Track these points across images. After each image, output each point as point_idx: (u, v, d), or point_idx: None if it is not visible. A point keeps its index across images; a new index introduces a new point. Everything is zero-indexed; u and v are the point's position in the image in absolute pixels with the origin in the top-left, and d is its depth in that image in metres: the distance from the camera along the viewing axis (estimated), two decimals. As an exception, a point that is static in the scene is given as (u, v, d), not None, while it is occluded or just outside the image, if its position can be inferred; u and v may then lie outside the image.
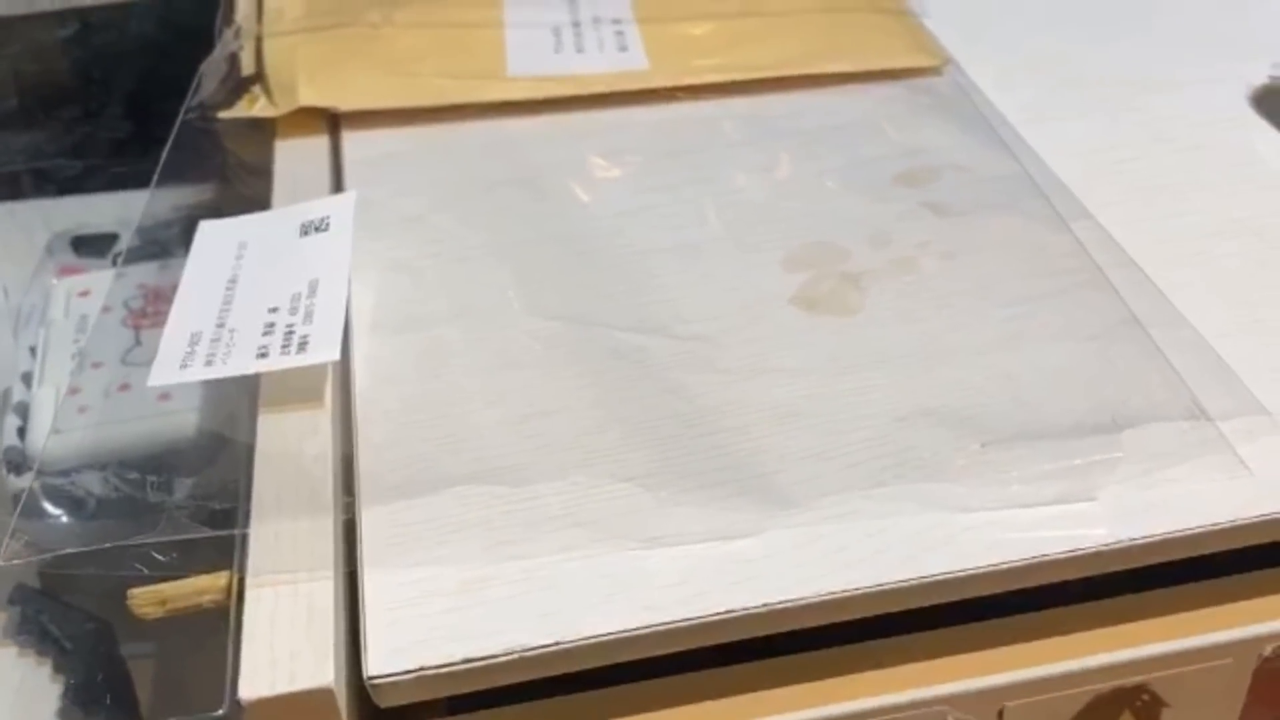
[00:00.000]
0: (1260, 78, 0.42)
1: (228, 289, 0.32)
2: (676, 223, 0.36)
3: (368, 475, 0.28)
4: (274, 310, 0.31)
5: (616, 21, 0.45)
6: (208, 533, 0.29)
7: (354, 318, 0.32)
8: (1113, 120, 0.41)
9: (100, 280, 0.50)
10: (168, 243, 0.54)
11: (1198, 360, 0.30)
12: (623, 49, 0.43)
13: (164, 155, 0.40)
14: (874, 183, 0.38)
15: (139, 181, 0.59)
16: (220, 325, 0.31)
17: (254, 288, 0.32)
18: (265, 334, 0.30)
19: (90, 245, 0.53)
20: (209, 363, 0.29)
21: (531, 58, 0.43)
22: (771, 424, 0.29)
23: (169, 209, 0.55)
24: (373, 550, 0.26)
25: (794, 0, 0.46)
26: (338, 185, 0.39)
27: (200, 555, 0.29)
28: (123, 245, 0.53)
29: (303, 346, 0.29)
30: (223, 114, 0.41)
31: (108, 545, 0.29)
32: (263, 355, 0.29)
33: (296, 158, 0.40)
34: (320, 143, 0.40)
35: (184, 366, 0.29)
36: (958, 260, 0.34)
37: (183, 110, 0.41)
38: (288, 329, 0.30)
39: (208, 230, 0.35)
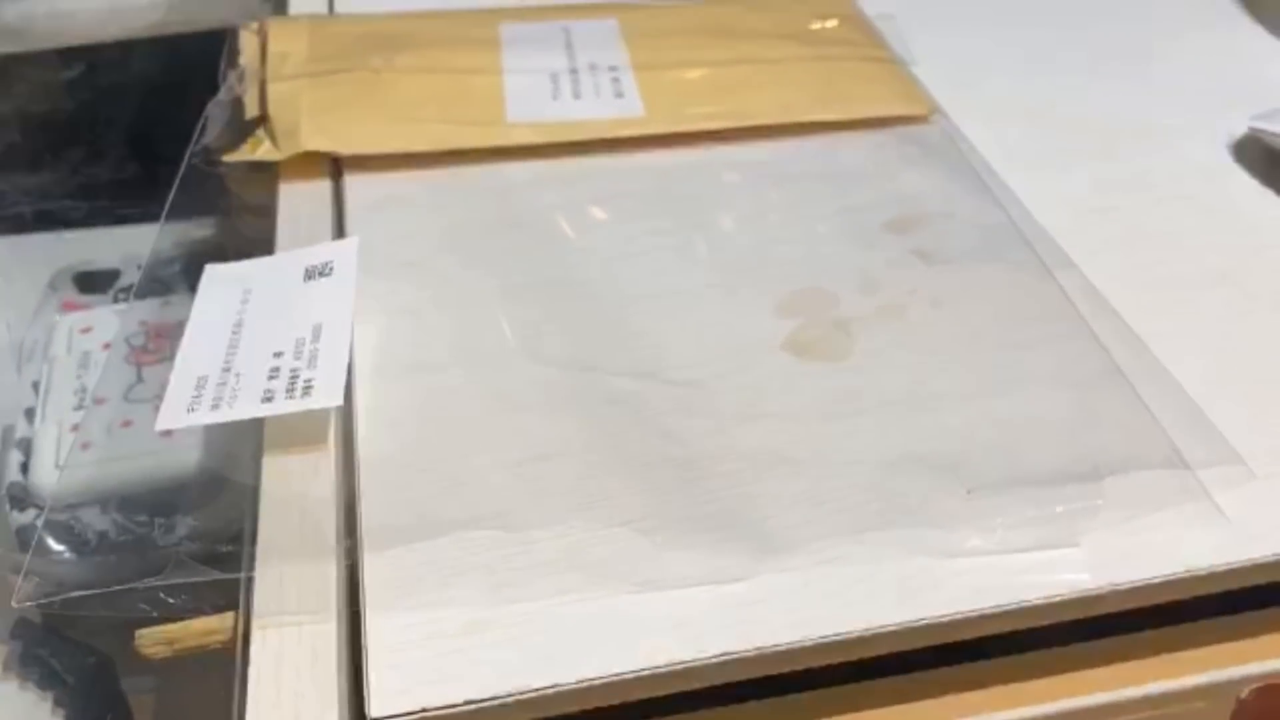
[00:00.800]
0: (1241, 128, 0.43)
1: (233, 333, 0.33)
2: (670, 268, 0.37)
3: (370, 519, 0.29)
4: (278, 355, 0.32)
5: (613, 68, 0.46)
6: (213, 575, 0.29)
7: (356, 361, 0.33)
8: (1096, 169, 0.42)
9: (103, 317, 0.51)
10: (170, 280, 0.55)
11: (1177, 410, 0.31)
12: (619, 95, 0.44)
13: (170, 197, 0.41)
14: (864, 230, 0.39)
15: (142, 217, 0.60)
16: (226, 369, 0.31)
17: (259, 332, 0.33)
18: (270, 378, 0.31)
19: (93, 281, 0.53)
20: (215, 406, 0.30)
21: (530, 104, 0.44)
22: (763, 469, 0.30)
23: (171, 246, 0.56)
24: (375, 593, 0.27)
25: (785, 48, 0.47)
26: (340, 228, 0.39)
27: (205, 595, 0.30)
28: (125, 282, 0.53)
29: (307, 391, 0.30)
30: (227, 157, 0.41)
31: (115, 588, 0.30)
32: (268, 400, 0.30)
33: (299, 200, 0.41)
34: (323, 185, 0.41)
35: (191, 410, 0.30)
36: (945, 308, 0.35)
37: (188, 153, 0.42)
38: (292, 373, 0.31)
39: (213, 274, 0.36)
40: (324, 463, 0.30)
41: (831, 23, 0.49)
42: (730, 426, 0.31)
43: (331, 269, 0.35)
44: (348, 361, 0.31)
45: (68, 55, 0.58)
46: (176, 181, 0.41)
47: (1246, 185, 0.41)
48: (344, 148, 0.41)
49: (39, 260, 0.59)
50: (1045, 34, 0.51)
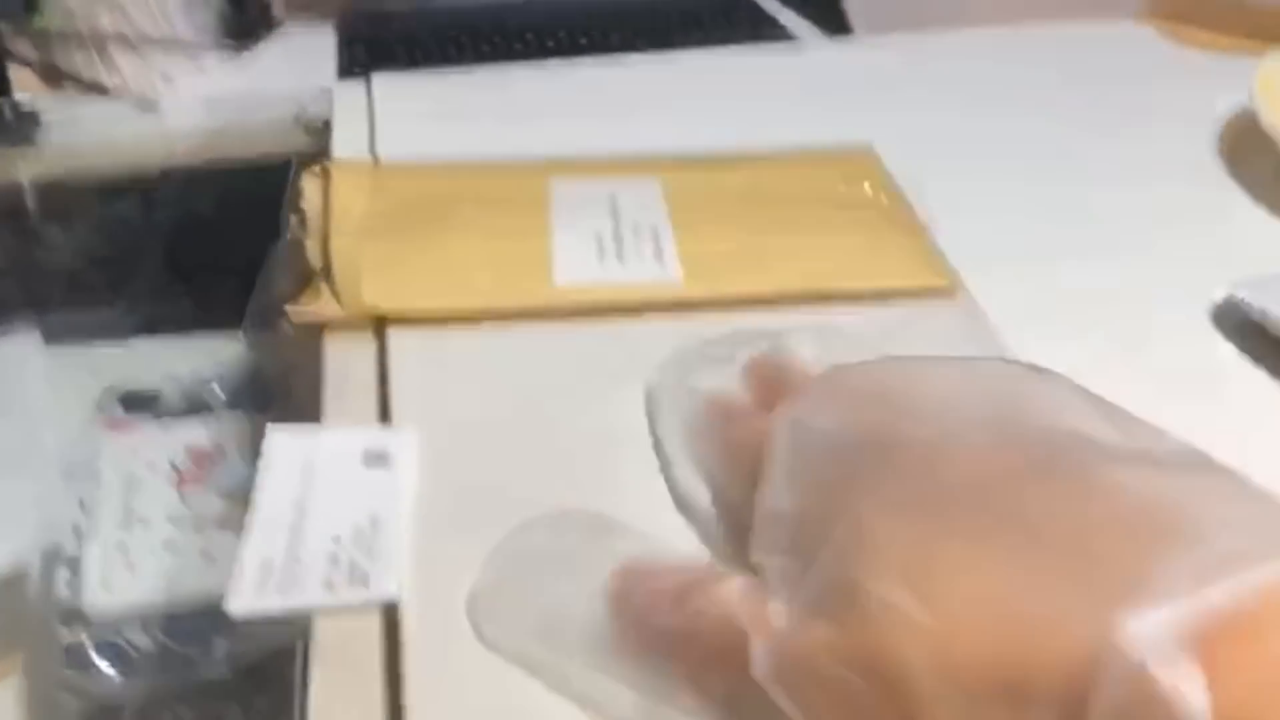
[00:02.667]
0: (1220, 295, 0.46)
1: (296, 515, 0.36)
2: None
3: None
4: (338, 541, 0.35)
5: (654, 230, 0.48)
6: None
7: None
8: (1083, 333, 0.45)
9: (146, 437, 0.54)
10: (210, 402, 0.58)
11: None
12: (659, 259, 0.47)
13: (241, 344, 0.44)
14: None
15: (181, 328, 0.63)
16: (290, 555, 0.34)
17: (321, 517, 0.35)
18: (331, 566, 0.34)
19: (137, 402, 0.57)
20: (281, 591, 0.33)
21: (576, 267, 0.46)
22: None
23: (210, 366, 0.59)
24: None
25: (817, 213, 0.50)
26: (383, 376, 0.42)
27: None
28: (167, 403, 0.57)
29: (365, 581, 0.33)
30: (291, 309, 0.44)
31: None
32: (329, 588, 0.33)
33: (346, 347, 0.44)
34: (366, 336, 0.44)
35: (259, 595, 0.33)
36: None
37: (252, 299, 0.45)
38: (351, 563, 0.34)
39: (276, 440, 0.38)
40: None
41: (860, 187, 0.52)
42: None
43: (388, 459, 0.38)
44: (402, 554, 0.34)
45: (123, 189, 0.61)
46: (244, 324, 0.44)
47: (1227, 353, 0.44)
48: (402, 306, 0.44)
49: (82, 370, 0.62)
50: (1044, 198, 0.55)
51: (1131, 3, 0.77)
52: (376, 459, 0.38)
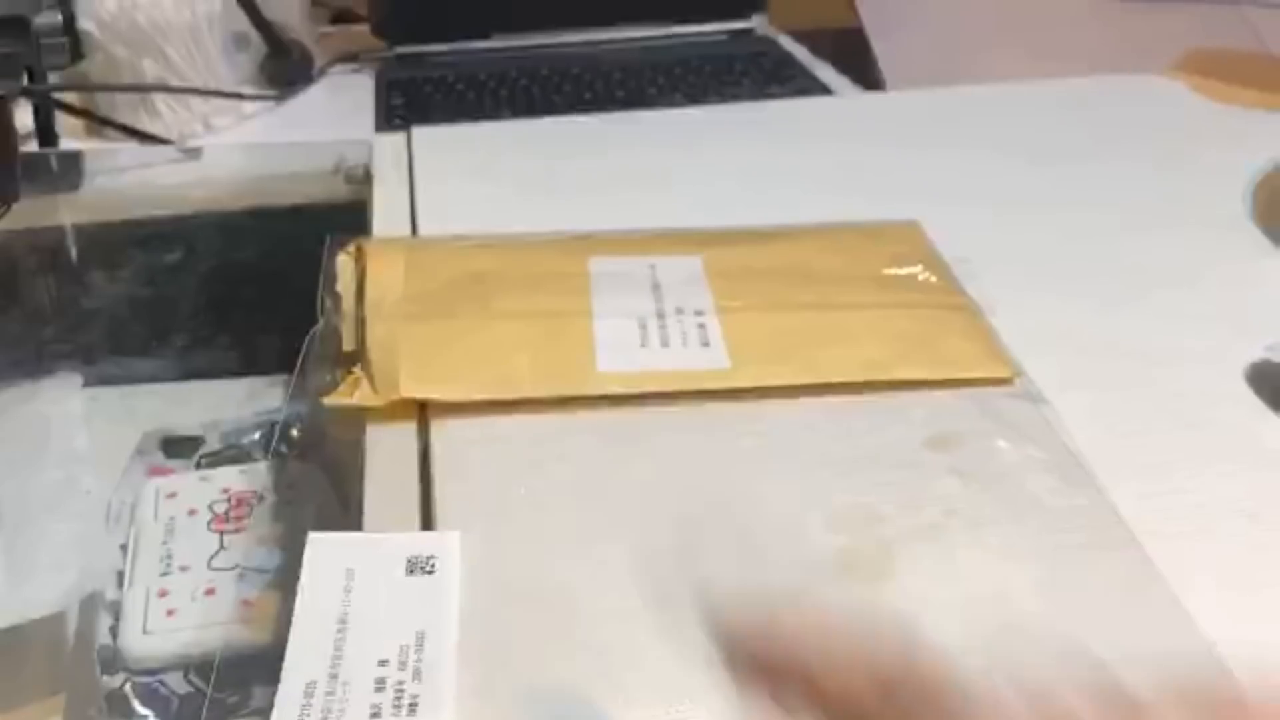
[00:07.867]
0: (1255, 354, 0.46)
1: (339, 631, 0.35)
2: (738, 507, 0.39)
3: None
4: (384, 664, 0.33)
5: (699, 313, 0.47)
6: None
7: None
8: (1122, 394, 0.45)
9: (187, 482, 0.54)
10: (249, 448, 0.58)
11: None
12: (705, 344, 0.45)
13: (275, 438, 0.43)
14: (905, 448, 0.42)
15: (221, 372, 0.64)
16: (333, 676, 0.33)
17: (364, 634, 0.34)
18: (377, 690, 0.32)
19: (178, 447, 0.57)
20: (325, 718, 0.32)
21: (619, 354, 0.45)
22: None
23: (250, 415, 0.60)
24: None
25: (863, 293, 0.48)
26: (426, 469, 0.41)
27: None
28: (209, 448, 0.57)
29: (413, 708, 0.32)
30: (327, 400, 0.43)
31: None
32: (375, 715, 0.32)
33: (387, 438, 0.43)
34: (409, 426, 0.43)
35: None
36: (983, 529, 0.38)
37: (290, 387, 0.44)
38: (398, 687, 0.32)
39: (318, 544, 0.37)
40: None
41: (909, 267, 0.50)
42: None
43: (434, 566, 0.36)
44: (453, 675, 0.33)
45: (165, 235, 0.63)
46: (280, 424, 0.43)
47: (1260, 414, 0.44)
48: (440, 395, 0.43)
49: (120, 412, 0.63)
50: (1082, 260, 0.55)
51: (1162, 58, 0.77)
52: (420, 566, 0.36)
